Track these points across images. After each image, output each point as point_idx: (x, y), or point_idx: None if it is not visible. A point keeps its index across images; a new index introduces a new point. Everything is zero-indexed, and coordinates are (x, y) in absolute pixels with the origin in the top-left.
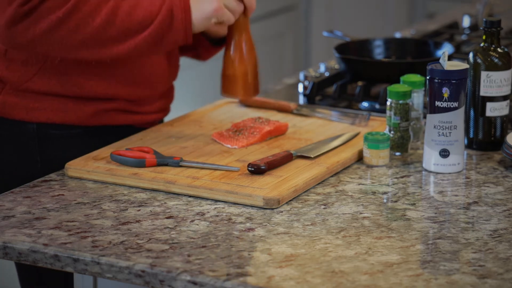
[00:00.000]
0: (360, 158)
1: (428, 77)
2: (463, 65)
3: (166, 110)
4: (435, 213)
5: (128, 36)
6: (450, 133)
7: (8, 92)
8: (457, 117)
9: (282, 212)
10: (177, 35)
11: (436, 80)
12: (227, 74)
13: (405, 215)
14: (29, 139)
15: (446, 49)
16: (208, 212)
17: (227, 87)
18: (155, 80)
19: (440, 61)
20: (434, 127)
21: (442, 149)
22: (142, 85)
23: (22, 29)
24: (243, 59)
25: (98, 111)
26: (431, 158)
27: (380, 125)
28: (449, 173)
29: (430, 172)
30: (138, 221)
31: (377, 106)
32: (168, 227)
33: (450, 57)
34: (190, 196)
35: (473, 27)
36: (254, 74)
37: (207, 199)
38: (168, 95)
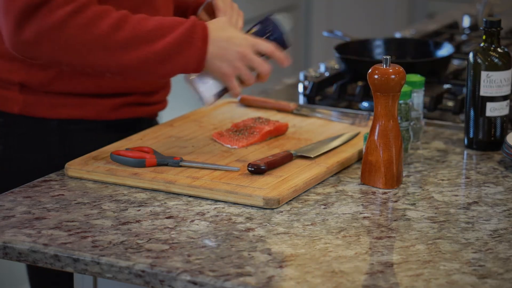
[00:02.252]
0: (360, 158)
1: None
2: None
3: (165, 102)
4: (435, 213)
5: (137, 44)
6: None
7: (29, 92)
8: None
9: (282, 212)
10: (190, 60)
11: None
12: (369, 160)
13: (405, 215)
14: (50, 135)
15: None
16: (208, 212)
17: (367, 174)
18: None
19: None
20: None
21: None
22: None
23: (30, 25)
24: (388, 146)
25: (116, 106)
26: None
27: None
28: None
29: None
30: (138, 221)
31: None
32: (168, 227)
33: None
34: (190, 196)
35: (473, 27)
36: (398, 164)
37: (207, 199)
38: (167, 85)
